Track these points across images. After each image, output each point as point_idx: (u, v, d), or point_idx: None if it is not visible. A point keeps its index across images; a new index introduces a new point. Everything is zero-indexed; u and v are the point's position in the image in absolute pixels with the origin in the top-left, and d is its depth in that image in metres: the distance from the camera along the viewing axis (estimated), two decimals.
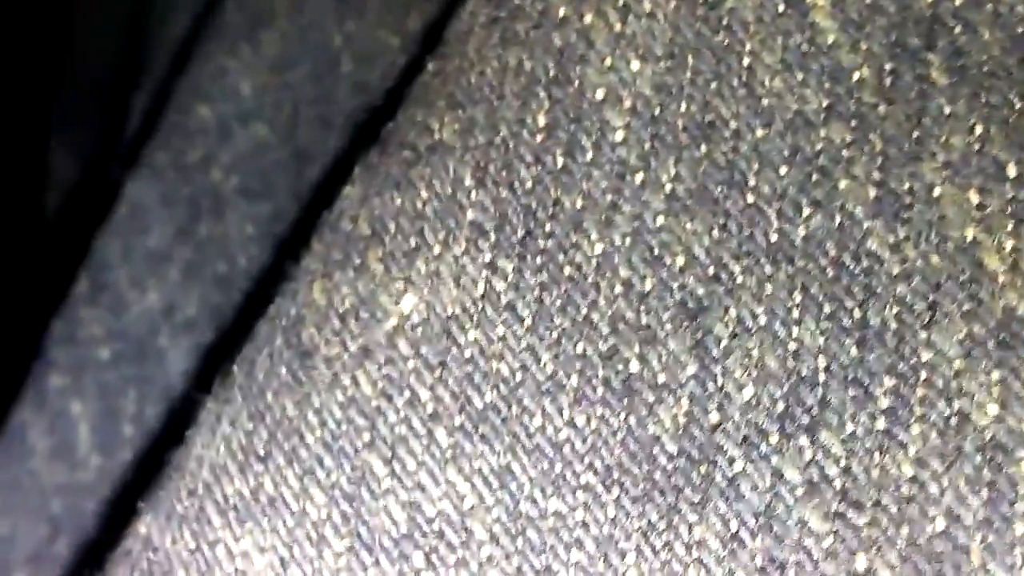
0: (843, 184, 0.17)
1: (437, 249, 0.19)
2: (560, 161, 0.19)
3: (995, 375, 0.16)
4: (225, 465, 0.19)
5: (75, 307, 0.23)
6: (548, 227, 0.18)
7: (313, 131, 0.22)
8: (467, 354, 0.18)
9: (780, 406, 0.16)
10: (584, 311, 0.18)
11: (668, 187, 0.18)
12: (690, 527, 0.16)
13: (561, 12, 0.19)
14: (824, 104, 0.18)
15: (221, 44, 0.23)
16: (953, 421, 0.16)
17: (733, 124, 0.18)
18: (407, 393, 0.18)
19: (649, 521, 0.17)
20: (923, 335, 0.16)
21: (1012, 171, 0.17)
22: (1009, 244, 0.16)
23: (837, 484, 0.16)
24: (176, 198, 0.22)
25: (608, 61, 0.19)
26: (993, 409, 0.15)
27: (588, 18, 0.19)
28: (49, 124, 0.24)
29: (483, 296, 0.18)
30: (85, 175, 0.24)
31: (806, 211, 0.17)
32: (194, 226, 0.22)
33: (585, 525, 0.17)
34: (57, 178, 0.25)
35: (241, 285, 0.22)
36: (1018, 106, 0.17)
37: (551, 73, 0.19)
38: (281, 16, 0.23)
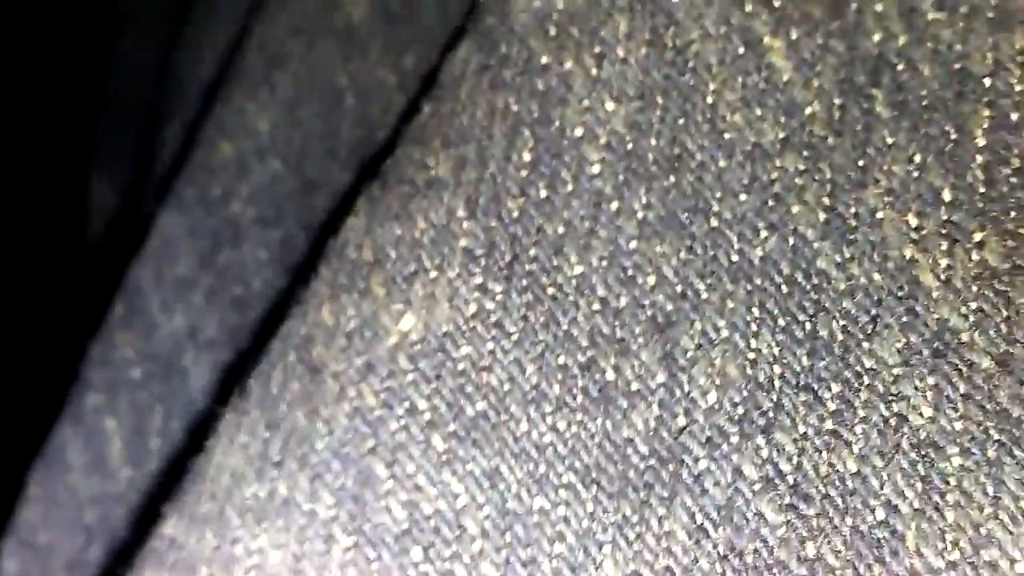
0: (796, 209, 0.19)
1: (433, 273, 0.21)
2: (543, 193, 0.20)
3: (929, 380, 0.17)
4: (243, 471, 0.21)
5: (111, 331, 0.24)
6: (532, 252, 0.20)
7: (320, 163, 0.24)
8: (460, 367, 0.20)
9: (740, 410, 0.18)
10: (565, 327, 0.20)
11: (640, 214, 0.20)
12: (660, 520, 0.18)
13: (544, 59, 0.21)
14: (780, 136, 0.19)
15: (241, 85, 0.24)
16: (892, 422, 0.17)
17: (698, 156, 0.20)
18: (406, 404, 0.20)
19: (623, 515, 0.18)
20: (866, 345, 0.18)
21: (947, 196, 0.18)
22: (943, 262, 0.18)
23: (789, 479, 0.17)
24: (201, 229, 0.24)
25: (585, 103, 0.20)
26: (927, 411, 0.17)
27: (568, 64, 0.21)
28: (90, 157, 0.26)
29: (474, 315, 0.20)
30: (122, 205, 0.26)
31: (763, 234, 0.19)
32: (215, 254, 0.24)
33: (566, 520, 0.19)
34: (96, 206, 0.26)
35: (256, 307, 0.24)
36: (954, 137, 0.18)
37: (535, 114, 0.21)
38: (294, 58, 0.24)
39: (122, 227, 0.26)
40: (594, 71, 0.20)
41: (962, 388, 0.17)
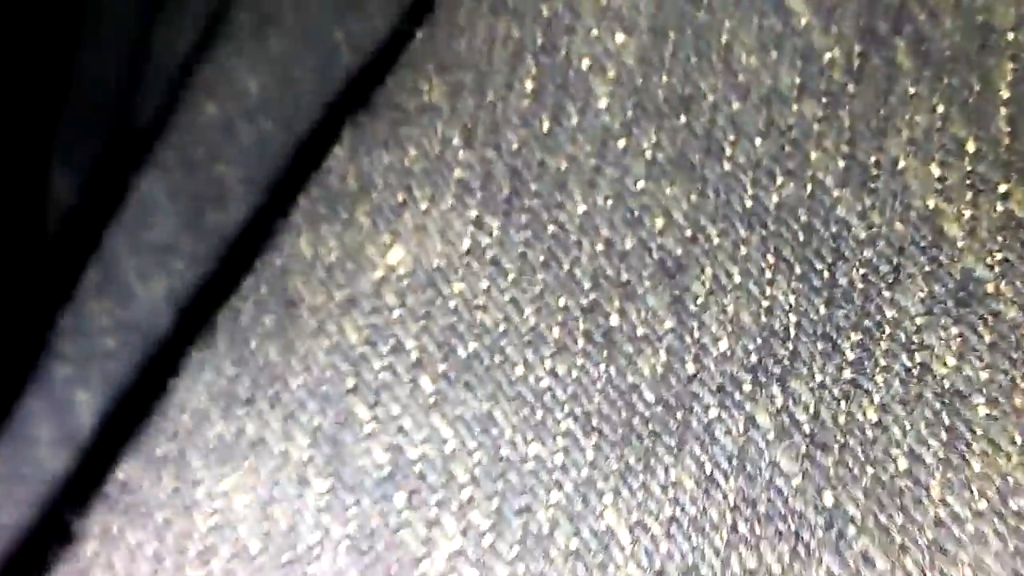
0: (814, 156, 0.18)
1: (424, 205, 0.19)
2: (546, 125, 0.19)
3: (953, 330, 0.17)
4: (207, 410, 0.20)
5: (83, 299, 0.23)
6: (533, 187, 0.19)
7: (313, 120, 0.23)
8: (452, 305, 0.19)
9: (753, 358, 0.18)
10: (567, 267, 0.19)
11: (649, 153, 0.19)
12: (666, 469, 0.17)
13: None
14: (797, 82, 0.19)
15: (229, 45, 0.23)
16: (915, 371, 0.17)
17: (711, 97, 0.19)
18: (392, 341, 0.19)
19: (627, 464, 0.18)
20: (887, 294, 0.17)
21: (971, 147, 0.18)
22: (968, 213, 0.17)
23: (806, 428, 0.17)
24: (182, 192, 0.23)
25: (594, 32, 0.19)
26: (951, 361, 0.17)
27: None
28: (51, 140, 0.24)
29: (468, 250, 0.19)
30: (89, 183, 0.24)
31: (779, 179, 0.18)
32: (199, 218, 0.23)
33: (564, 468, 0.18)
34: (57, 193, 0.25)
35: (242, 269, 0.23)
36: (977, 88, 0.18)
37: (539, 42, 0.20)
38: (286, 13, 0.23)
39: (94, 195, 0.24)
40: (603, 1, 0.19)
41: (987, 338, 0.17)
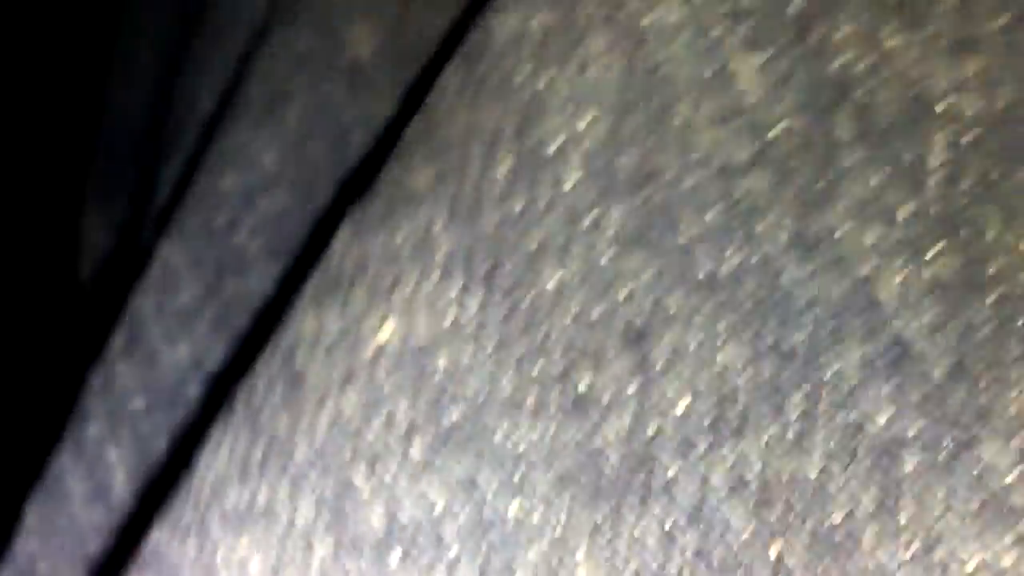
0: (760, 227, 0.20)
1: (413, 284, 0.21)
2: (520, 206, 0.21)
3: (885, 390, 0.18)
4: (225, 479, 0.21)
5: (111, 361, 0.24)
6: (508, 265, 0.21)
7: (327, 194, 0.24)
8: (436, 379, 0.20)
9: (708, 420, 0.19)
10: (541, 337, 0.20)
11: (612, 230, 0.20)
12: (631, 527, 0.19)
13: (519, 78, 0.21)
14: (746, 157, 0.20)
15: (245, 118, 0.24)
16: (850, 428, 0.18)
17: (667, 174, 0.20)
18: (384, 413, 0.21)
19: (595, 523, 0.19)
20: (827, 357, 0.18)
21: (903, 213, 0.19)
22: (897, 279, 0.18)
23: (754, 486, 0.18)
24: (204, 259, 0.24)
25: (560, 119, 0.21)
26: (882, 419, 0.18)
27: (542, 84, 0.21)
28: (83, 192, 0.26)
29: (452, 324, 0.21)
30: (117, 241, 0.26)
31: (729, 250, 0.20)
32: (220, 284, 0.23)
33: (541, 527, 0.19)
34: (90, 243, 0.26)
35: (263, 335, 0.24)
36: (910, 158, 0.19)
37: (513, 128, 0.21)
38: (299, 92, 0.24)
39: (121, 259, 0.26)
40: (568, 90, 0.21)
41: (914, 396, 0.18)
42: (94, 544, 0.23)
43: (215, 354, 0.24)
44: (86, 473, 0.24)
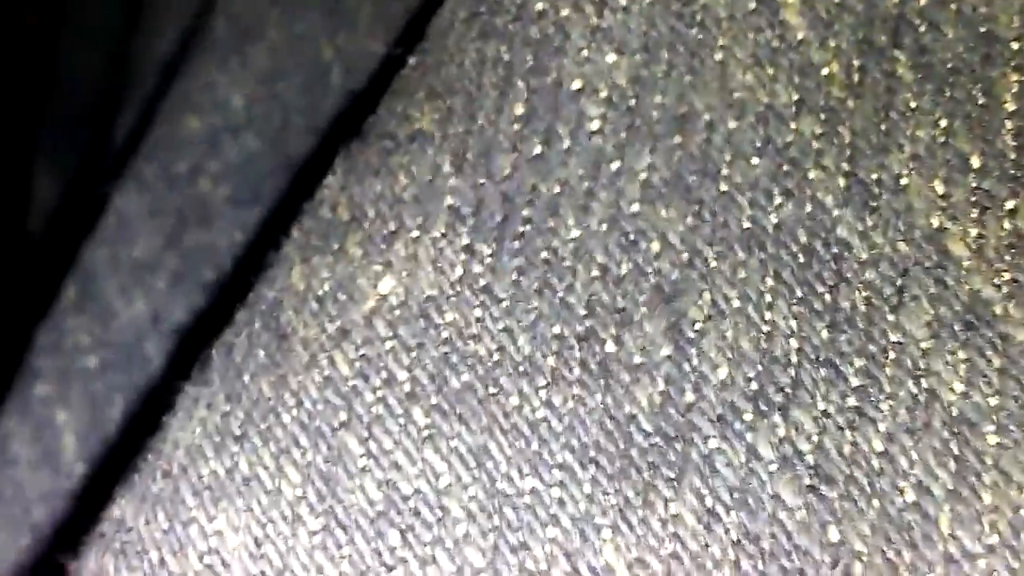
0: (813, 174, 0.18)
1: (416, 233, 0.19)
2: (537, 149, 0.19)
3: (961, 355, 0.16)
4: (201, 446, 0.19)
5: (62, 317, 0.23)
6: (525, 212, 0.19)
7: (303, 139, 0.23)
8: (444, 335, 0.18)
9: (754, 386, 0.17)
10: (560, 294, 0.18)
11: (643, 176, 0.18)
12: (666, 503, 0.17)
13: (539, 6, 0.19)
14: (794, 98, 0.18)
15: (210, 58, 0.23)
16: (921, 398, 0.16)
17: (706, 116, 0.18)
18: (384, 374, 0.18)
19: (625, 498, 0.17)
20: (891, 318, 0.17)
21: (976, 162, 0.17)
22: (974, 232, 0.17)
23: (809, 459, 0.16)
24: (163, 208, 0.22)
25: (585, 53, 0.19)
26: (959, 387, 0.16)
27: (565, 11, 0.19)
28: (34, 142, 0.24)
29: (460, 279, 0.19)
30: (69, 191, 0.24)
31: (777, 200, 0.18)
32: (181, 235, 0.22)
33: (562, 502, 0.17)
34: (40, 195, 0.25)
35: (229, 290, 0.23)
36: (981, 101, 0.18)
37: (528, 64, 0.19)
38: (271, 30, 0.23)
39: (73, 209, 0.24)
40: (594, 19, 0.19)
41: (996, 362, 0.16)
42: (40, 512, 0.21)
43: (175, 310, 0.22)
44: (33, 436, 0.22)
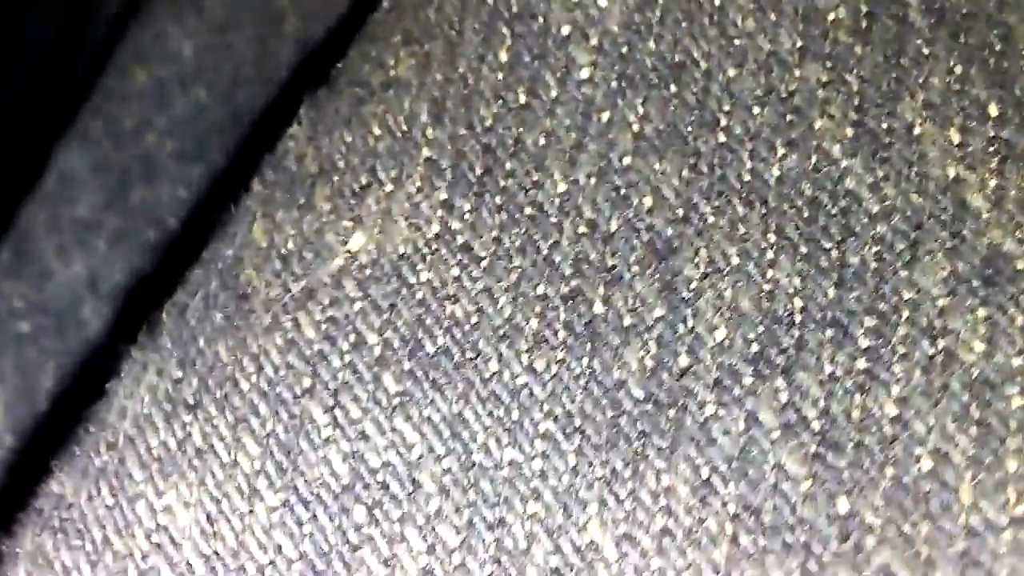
0: (819, 124, 0.17)
1: (389, 187, 0.18)
2: (522, 98, 0.18)
3: (981, 312, 0.15)
4: (150, 415, 0.18)
5: None
6: (508, 165, 0.17)
7: (253, 90, 0.21)
8: (419, 296, 0.17)
9: (754, 348, 0.16)
10: (545, 252, 0.17)
11: (636, 126, 0.17)
12: (658, 474, 0.15)
13: None
14: (798, 44, 0.17)
15: (162, 8, 0.22)
16: (938, 360, 0.15)
17: (704, 64, 0.17)
18: (352, 336, 0.17)
19: (613, 469, 0.16)
20: (904, 274, 0.15)
21: (993, 110, 0.16)
22: (993, 182, 0.16)
23: (815, 426, 0.15)
24: (107, 165, 0.21)
25: None
26: (979, 346, 0.15)
27: None
28: None
29: (437, 235, 0.17)
30: (13, 145, 0.23)
31: (780, 151, 0.17)
32: (124, 193, 0.21)
33: (543, 475, 0.16)
34: None
35: (172, 250, 0.21)
36: (998, 47, 0.16)
37: (514, 8, 0.18)
38: None
39: (14, 165, 0.23)
40: None
41: (1019, 320, 0.15)
42: None
43: (115, 272, 0.21)
44: None
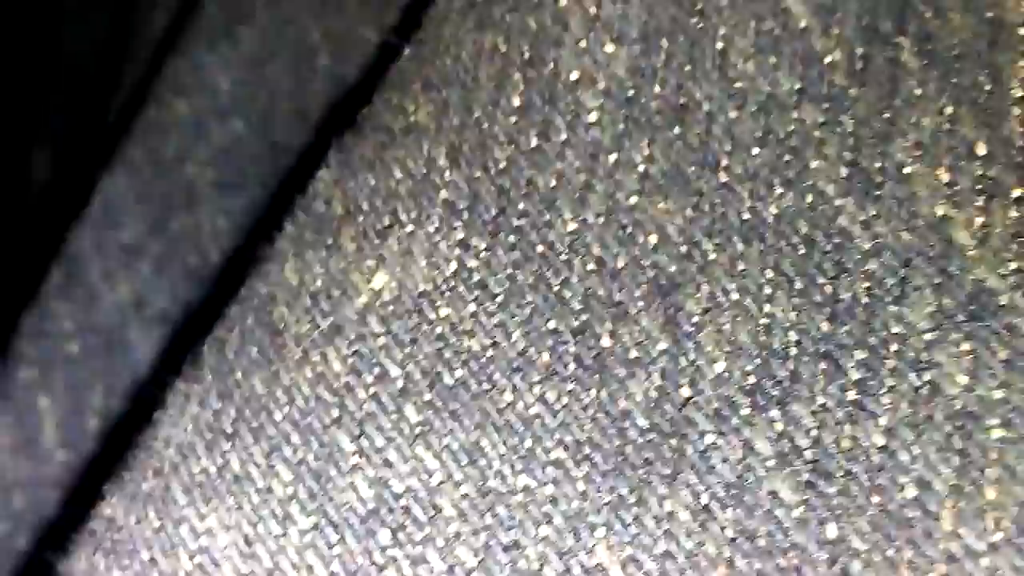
0: (814, 164, 0.17)
1: (410, 228, 0.19)
2: (534, 141, 0.19)
3: (965, 346, 0.16)
4: (192, 444, 0.19)
5: (46, 301, 0.22)
6: (521, 206, 0.18)
7: (289, 124, 0.22)
8: (438, 331, 0.18)
9: (751, 379, 0.16)
10: (556, 288, 0.18)
11: (641, 167, 0.18)
12: (660, 500, 0.16)
13: None
14: (796, 87, 0.18)
15: (199, 40, 0.23)
16: (923, 391, 0.16)
17: (706, 106, 0.18)
18: (377, 370, 0.18)
19: (619, 495, 0.17)
20: (893, 309, 0.16)
21: (981, 149, 0.17)
22: (979, 220, 0.16)
23: (807, 455, 0.16)
24: (150, 193, 0.22)
25: (583, 43, 0.19)
26: (963, 379, 0.16)
27: (563, 1, 0.19)
28: (28, 121, 0.24)
29: (455, 273, 0.18)
30: (62, 172, 0.24)
31: (778, 190, 0.17)
32: (167, 220, 0.22)
33: (554, 500, 0.17)
34: (35, 177, 0.25)
35: (213, 277, 0.22)
36: (987, 87, 0.17)
37: (526, 55, 0.19)
38: (260, 12, 0.23)
39: (62, 192, 0.24)
40: (592, 9, 0.19)
41: (1001, 354, 0.15)
42: (20, 500, 0.21)
43: (159, 296, 0.22)
44: (14, 421, 0.22)
